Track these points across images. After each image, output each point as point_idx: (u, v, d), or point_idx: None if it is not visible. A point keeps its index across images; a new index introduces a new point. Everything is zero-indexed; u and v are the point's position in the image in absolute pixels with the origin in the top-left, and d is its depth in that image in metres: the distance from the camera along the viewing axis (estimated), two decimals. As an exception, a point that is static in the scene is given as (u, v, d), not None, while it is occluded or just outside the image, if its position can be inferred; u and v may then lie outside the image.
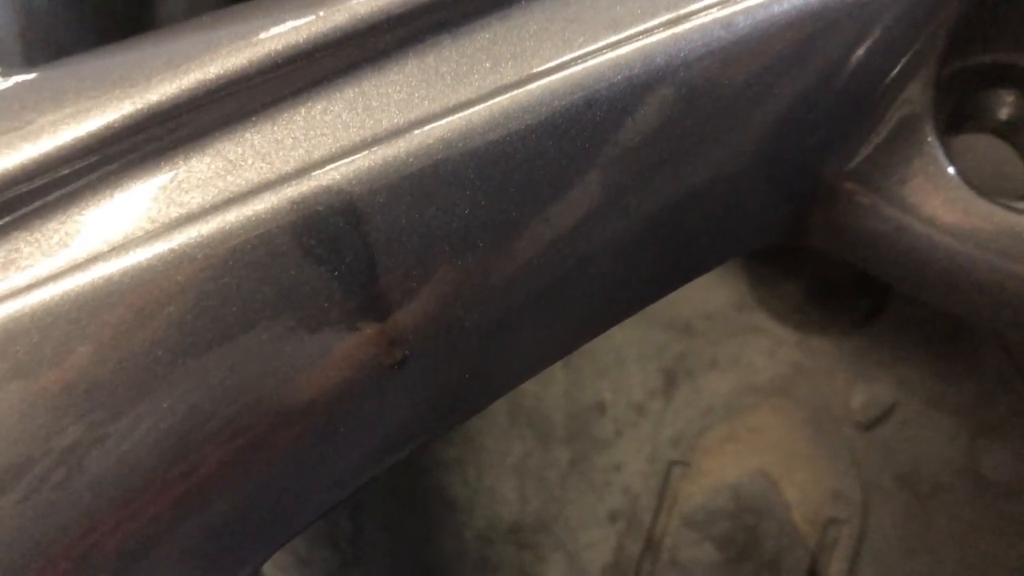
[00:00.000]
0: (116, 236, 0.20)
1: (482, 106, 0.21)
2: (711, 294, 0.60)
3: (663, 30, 0.22)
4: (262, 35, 0.21)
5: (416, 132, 0.20)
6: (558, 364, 0.60)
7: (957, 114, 0.30)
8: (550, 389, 0.59)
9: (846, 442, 0.58)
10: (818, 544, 0.56)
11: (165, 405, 0.18)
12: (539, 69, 0.22)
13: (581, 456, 0.58)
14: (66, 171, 0.20)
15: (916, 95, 0.25)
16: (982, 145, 0.31)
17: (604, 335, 0.60)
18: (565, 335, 0.24)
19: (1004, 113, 0.29)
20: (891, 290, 0.60)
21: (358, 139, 0.20)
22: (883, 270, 0.26)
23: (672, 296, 0.63)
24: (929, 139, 0.26)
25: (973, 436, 0.57)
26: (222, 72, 0.21)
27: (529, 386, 0.59)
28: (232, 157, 0.21)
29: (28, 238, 0.19)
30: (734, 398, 0.58)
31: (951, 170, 0.25)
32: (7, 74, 0.25)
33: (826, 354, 0.59)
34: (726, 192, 0.25)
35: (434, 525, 0.57)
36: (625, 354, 0.59)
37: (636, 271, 0.24)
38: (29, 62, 0.30)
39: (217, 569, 0.22)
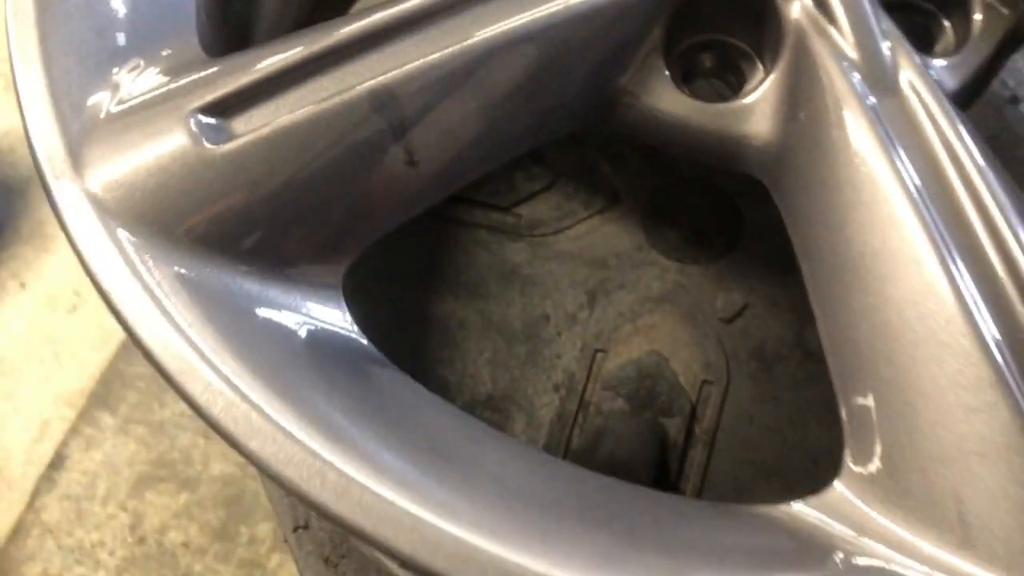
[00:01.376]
0: (301, 104, 0.46)
1: (451, 48, 0.48)
2: (619, 240, 0.85)
3: (534, 14, 0.49)
4: (351, 26, 0.48)
5: (422, 60, 0.47)
6: (516, 291, 0.85)
7: (695, 67, 0.57)
8: (511, 308, 0.84)
9: (714, 331, 0.82)
10: (696, 397, 0.80)
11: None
12: (479, 34, 0.48)
13: (534, 351, 0.82)
14: (278, 76, 0.46)
15: (652, 49, 0.52)
16: (710, 83, 0.58)
17: (546, 271, 0.86)
18: (495, 155, 0.51)
19: (709, 65, 0.56)
20: (741, 233, 0.86)
21: (396, 64, 0.47)
22: (640, 137, 0.53)
23: (593, 245, 0.88)
24: (663, 70, 0.53)
25: (801, 324, 0.82)
26: (341, 37, 0.47)
27: (496, 308, 0.84)
28: (342, 76, 0.47)
29: (273, 100, 0.46)
30: (636, 307, 0.83)
31: (671, 82, 0.52)
32: (212, 62, 0.51)
33: (697, 276, 0.84)
34: (562, 97, 0.52)
35: (434, 401, 0.81)
36: (561, 283, 0.84)
37: (526, 126, 0.51)
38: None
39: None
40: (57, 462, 1.22)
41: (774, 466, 0.79)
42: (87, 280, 0.44)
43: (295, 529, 0.84)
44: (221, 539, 1.17)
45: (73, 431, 1.23)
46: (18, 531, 1.19)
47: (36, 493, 1.21)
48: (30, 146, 0.45)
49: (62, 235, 0.44)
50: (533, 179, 0.88)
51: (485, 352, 0.83)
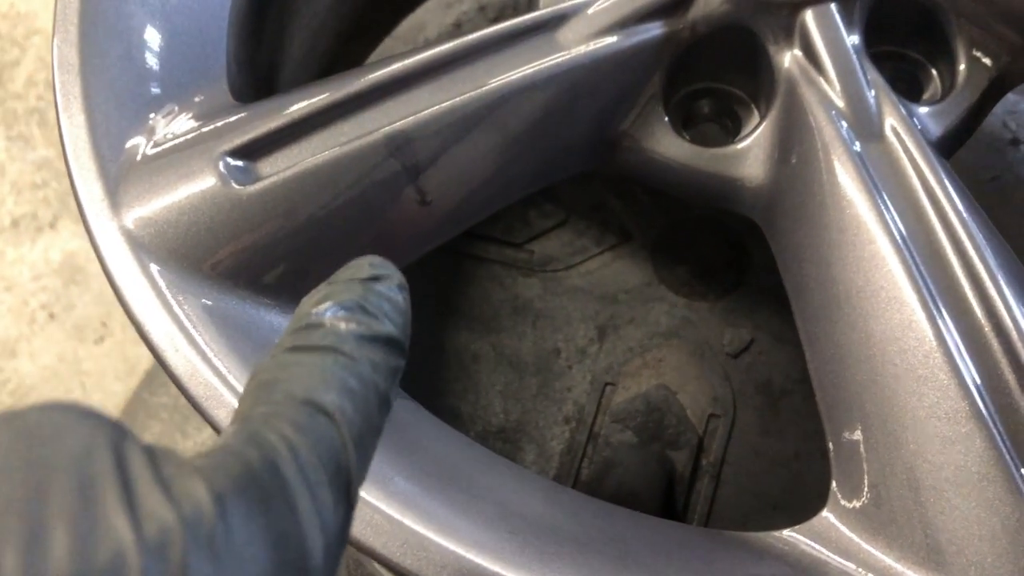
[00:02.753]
0: (323, 147, 0.49)
1: (465, 96, 0.51)
2: (629, 276, 0.88)
3: (542, 64, 0.53)
4: (371, 74, 0.52)
5: (435, 108, 0.51)
6: (528, 325, 0.88)
7: (694, 113, 0.60)
8: (523, 342, 0.87)
9: (720, 366, 0.84)
10: (703, 430, 0.82)
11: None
12: (491, 82, 0.52)
13: (545, 383, 0.85)
14: (303, 122, 0.50)
15: (652, 96, 0.56)
16: (708, 128, 0.61)
17: (558, 306, 0.88)
18: (503, 195, 0.54)
19: (707, 111, 0.59)
20: (748, 269, 0.88)
21: (412, 112, 0.51)
22: (641, 179, 0.56)
23: (603, 280, 0.91)
24: (662, 116, 0.56)
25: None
26: (361, 85, 0.51)
27: (509, 341, 0.87)
28: (361, 121, 0.51)
29: (298, 143, 0.50)
30: (645, 341, 0.85)
31: (670, 127, 0.55)
32: (241, 107, 0.55)
33: (705, 312, 0.86)
34: (567, 141, 0.55)
35: (448, 431, 0.83)
36: (572, 317, 0.87)
37: (533, 168, 0.54)
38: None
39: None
40: (83, 489, 1.25)
41: (779, 499, 0.80)
42: (113, 311, 0.47)
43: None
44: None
45: (99, 458, 1.26)
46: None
47: (62, 519, 1.23)
48: (72, 186, 0.49)
49: (90, 267, 0.47)
50: (546, 216, 0.91)
51: (497, 384, 0.85)
